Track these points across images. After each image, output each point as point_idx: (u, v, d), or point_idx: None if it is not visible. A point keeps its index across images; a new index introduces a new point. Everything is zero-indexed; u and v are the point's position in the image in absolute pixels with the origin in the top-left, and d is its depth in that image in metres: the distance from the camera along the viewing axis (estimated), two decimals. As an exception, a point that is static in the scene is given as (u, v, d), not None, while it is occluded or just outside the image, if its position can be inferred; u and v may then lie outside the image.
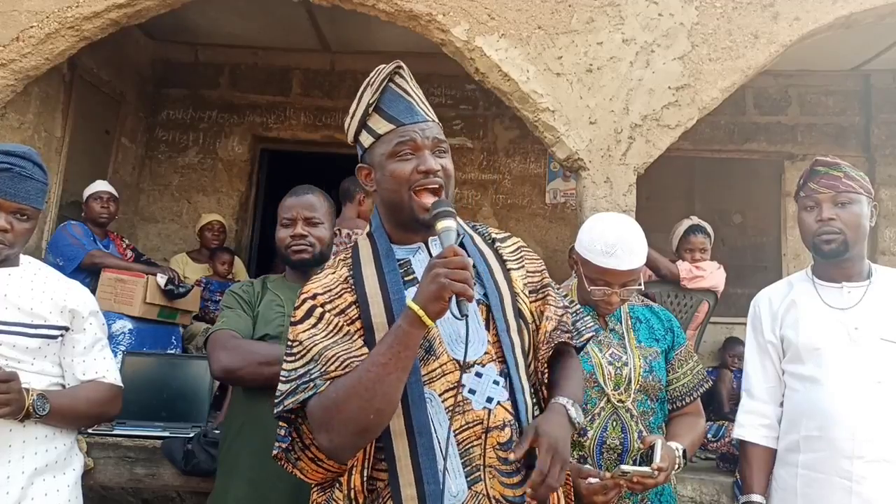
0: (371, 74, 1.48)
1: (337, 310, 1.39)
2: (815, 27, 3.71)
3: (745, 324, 2.22)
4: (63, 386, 1.92)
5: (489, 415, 1.38)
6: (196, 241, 5.68)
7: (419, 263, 1.46)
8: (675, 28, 3.73)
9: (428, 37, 3.80)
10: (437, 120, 1.51)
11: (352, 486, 1.34)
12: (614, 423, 1.89)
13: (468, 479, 1.35)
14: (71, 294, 1.93)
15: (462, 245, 1.43)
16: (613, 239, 1.89)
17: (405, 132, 1.43)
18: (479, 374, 1.39)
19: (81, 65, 5.21)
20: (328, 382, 1.31)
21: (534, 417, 1.43)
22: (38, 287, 1.88)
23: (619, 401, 1.88)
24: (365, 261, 1.44)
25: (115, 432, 3.20)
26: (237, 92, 6.46)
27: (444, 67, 5.17)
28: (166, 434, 3.21)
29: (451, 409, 1.35)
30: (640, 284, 1.96)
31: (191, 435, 3.13)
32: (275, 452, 1.41)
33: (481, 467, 1.36)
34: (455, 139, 6.27)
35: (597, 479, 1.69)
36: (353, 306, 1.39)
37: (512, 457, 1.35)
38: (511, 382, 1.42)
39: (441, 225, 1.34)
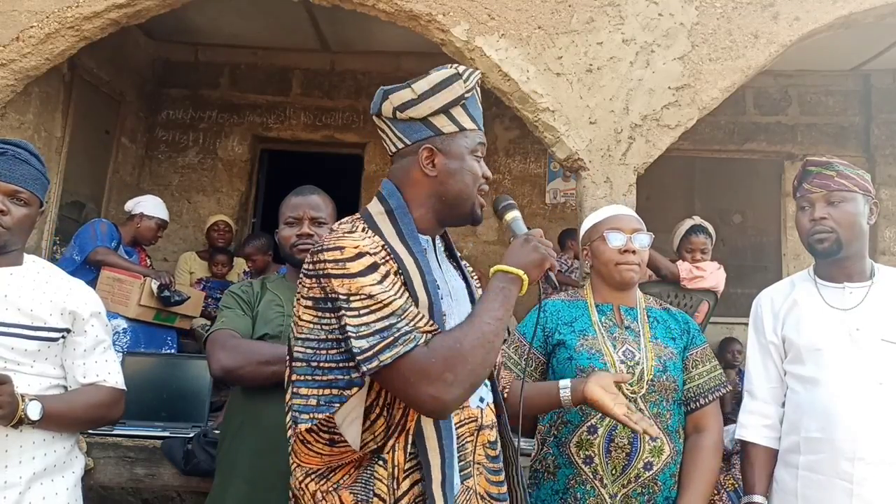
0: (459, 68, 1.48)
1: (394, 271, 1.35)
2: (815, 27, 3.72)
3: (745, 324, 2.22)
4: (65, 388, 1.89)
5: (482, 414, 1.46)
6: (199, 240, 5.70)
7: (431, 256, 1.49)
8: (675, 28, 3.73)
9: (428, 37, 3.80)
10: None
11: (395, 463, 1.33)
12: None
13: (461, 473, 1.40)
14: (72, 295, 1.90)
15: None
16: (612, 206, 2.22)
17: (483, 137, 1.52)
18: None
19: (81, 65, 5.21)
20: (424, 336, 1.29)
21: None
22: (39, 288, 1.86)
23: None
24: (390, 237, 1.40)
25: (115, 432, 3.19)
26: (237, 92, 6.46)
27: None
28: (166, 434, 3.20)
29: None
30: (649, 234, 2.04)
31: (191, 435, 3.12)
32: (309, 425, 1.35)
33: (472, 463, 1.43)
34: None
35: None
36: (399, 275, 1.36)
37: None
38: (493, 385, 1.52)
39: (510, 215, 1.53)
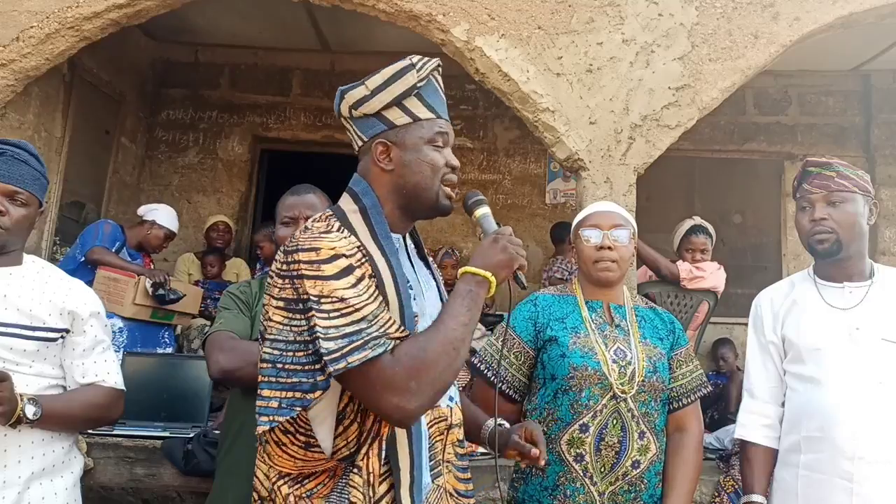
0: (413, 58, 1.47)
1: (368, 275, 1.33)
2: (815, 27, 3.72)
3: (744, 324, 2.22)
4: (64, 388, 1.89)
5: (451, 412, 1.47)
6: (199, 240, 5.70)
7: (402, 256, 1.47)
8: (675, 28, 3.73)
9: (428, 37, 3.80)
10: None
11: (370, 469, 1.32)
12: (615, 422, 1.88)
13: (432, 472, 1.41)
14: (71, 295, 1.90)
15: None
16: (595, 203, 2.21)
17: (444, 125, 1.49)
18: None
19: (81, 65, 5.21)
20: (393, 342, 1.27)
21: None
22: (38, 288, 1.86)
23: (623, 392, 1.88)
24: (364, 237, 1.38)
25: (115, 432, 3.20)
26: (237, 92, 6.47)
27: (444, 67, 5.14)
28: (166, 434, 3.21)
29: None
30: (632, 233, 2.04)
31: (191, 435, 3.13)
32: (266, 428, 1.33)
33: (441, 462, 1.45)
34: (455, 139, 6.28)
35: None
36: (372, 279, 1.34)
37: None
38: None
39: (480, 211, 1.50)
